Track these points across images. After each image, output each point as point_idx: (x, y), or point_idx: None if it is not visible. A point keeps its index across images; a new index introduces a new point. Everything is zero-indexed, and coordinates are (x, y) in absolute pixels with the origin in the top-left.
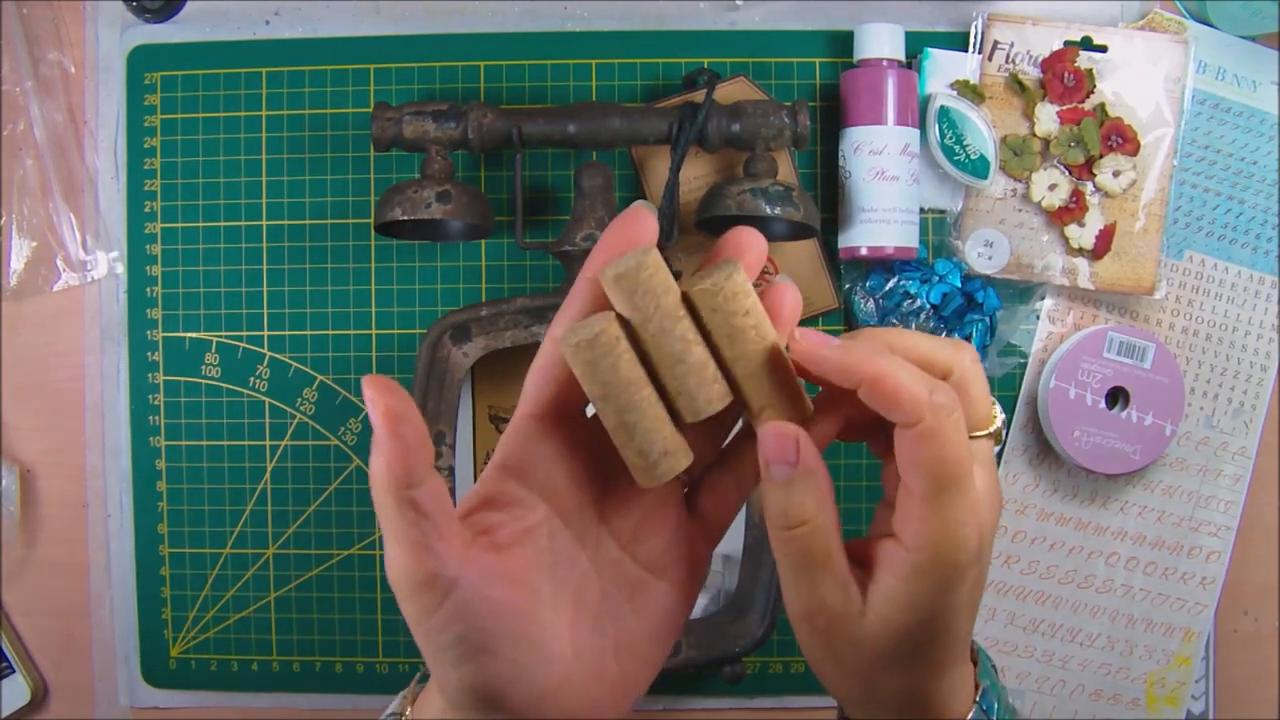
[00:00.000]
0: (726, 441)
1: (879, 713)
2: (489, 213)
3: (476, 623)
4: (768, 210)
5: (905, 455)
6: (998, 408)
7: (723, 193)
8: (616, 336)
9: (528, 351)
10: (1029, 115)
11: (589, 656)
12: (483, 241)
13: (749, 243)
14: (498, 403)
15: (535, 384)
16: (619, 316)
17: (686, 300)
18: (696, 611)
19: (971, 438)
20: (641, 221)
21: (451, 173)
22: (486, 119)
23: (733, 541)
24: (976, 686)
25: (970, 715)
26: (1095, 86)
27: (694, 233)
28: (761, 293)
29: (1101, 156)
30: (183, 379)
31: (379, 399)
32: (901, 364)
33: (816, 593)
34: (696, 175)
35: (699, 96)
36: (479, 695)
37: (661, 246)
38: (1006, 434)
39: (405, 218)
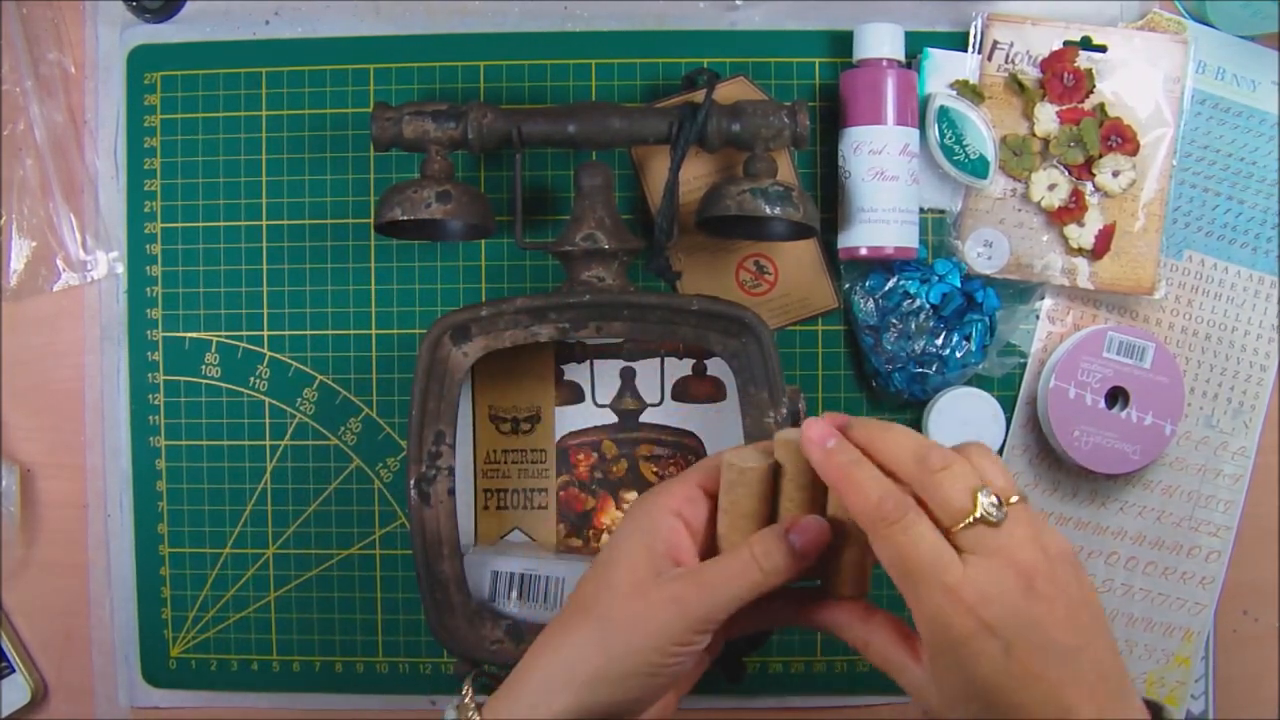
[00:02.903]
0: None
1: None
2: (489, 213)
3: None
4: (768, 210)
5: (877, 553)
6: (993, 488)
7: (723, 193)
8: (757, 477)
9: (528, 351)
10: (1028, 115)
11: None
12: (483, 241)
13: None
14: (498, 403)
15: (705, 468)
16: (776, 463)
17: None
18: None
19: (959, 529)
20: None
21: (451, 173)
22: (486, 119)
23: None
24: None
25: None
26: (1095, 86)
27: (694, 232)
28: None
29: (1101, 156)
30: (183, 379)
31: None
32: (865, 476)
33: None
34: (696, 175)
35: (699, 96)
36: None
37: (662, 247)
38: (1006, 434)
39: (405, 218)
